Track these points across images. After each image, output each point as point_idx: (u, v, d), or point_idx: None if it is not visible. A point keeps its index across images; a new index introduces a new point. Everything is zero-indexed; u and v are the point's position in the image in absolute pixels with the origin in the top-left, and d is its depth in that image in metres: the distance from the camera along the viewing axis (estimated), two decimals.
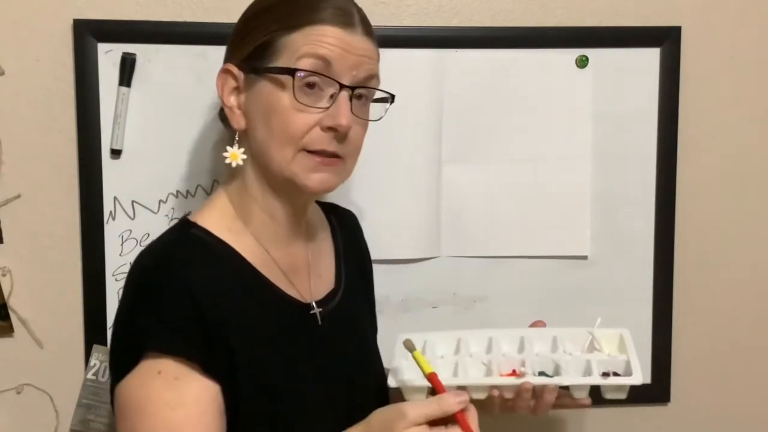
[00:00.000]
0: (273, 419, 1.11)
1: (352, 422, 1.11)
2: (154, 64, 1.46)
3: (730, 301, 1.67)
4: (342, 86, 1.10)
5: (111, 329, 1.14)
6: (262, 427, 1.10)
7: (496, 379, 1.16)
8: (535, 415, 1.19)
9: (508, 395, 1.16)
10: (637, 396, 1.62)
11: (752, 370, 1.69)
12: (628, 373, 1.17)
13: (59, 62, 1.46)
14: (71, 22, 1.44)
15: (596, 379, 1.16)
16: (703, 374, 1.67)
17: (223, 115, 1.23)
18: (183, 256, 1.10)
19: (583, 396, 1.18)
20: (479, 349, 1.25)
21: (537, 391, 1.16)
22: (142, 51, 1.45)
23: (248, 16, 1.16)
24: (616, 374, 1.18)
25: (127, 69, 1.45)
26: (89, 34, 1.44)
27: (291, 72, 1.09)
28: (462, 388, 1.15)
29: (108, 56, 1.45)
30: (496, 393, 1.16)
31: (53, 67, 1.46)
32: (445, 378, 1.15)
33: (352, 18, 1.12)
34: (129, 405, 1.05)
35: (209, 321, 1.05)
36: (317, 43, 1.09)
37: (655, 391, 1.64)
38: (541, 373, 1.18)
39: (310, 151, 1.11)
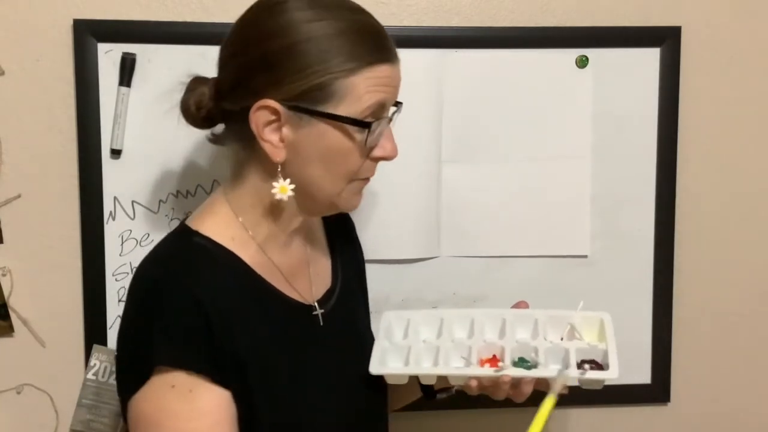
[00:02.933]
0: (282, 421, 1.11)
1: (356, 418, 1.15)
2: (154, 64, 1.46)
3: (730, 301, 1.67)
4: (389, 119, 1.14)
5: (117, 341, 1.13)
6: (272, 430, 1.10)
7: (476, 370, 1.19)
8: (515, 401, 1.22)
9: (487, 383, 1.19)
10: (637, 396, 1.64)
11: (752, 370, 1.69)
12: (605, 362, 1.20)
13: (59, 62, 1.46)
14: (71, 22, 1.44)
15: (573, 373, 1.18)
16: (703, 374, 1.68)
17: (214, 138, 1.21)
18: (189, 266, 1.09)
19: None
20: (461, 333, 1.28)
21: (515, 382, 1.19)
22: (142, 51, 1.45)
23: (284, 46, 1.07)
24: (593, 362, 1.21)
25: (127, 69, 1.45)
26: (89, 34, 1.44)
27: (367, 125, 1.09)
28: (442, 376, 1.20)
29: (108, 56, 1.45)
30: (474, 383, 1.19)
31: (53, 67, 1.46)
32: (426, 368, 1.21)
33: (393, 49, 1.13)
34: (145, 420, 1.05)
35: (218, 331, 1.05)
36: (376, 88, 1.09)
37: (655, 391, 1.65)
38: (521, 359, 1.21)
39: (358, 179, 1.16)
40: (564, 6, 1.56)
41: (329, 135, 1.09)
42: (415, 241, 1.55)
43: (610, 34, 1.56)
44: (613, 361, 1.19)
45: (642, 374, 1.64)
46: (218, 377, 1.05)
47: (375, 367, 1.20)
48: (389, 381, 1.21)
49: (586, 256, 1.60)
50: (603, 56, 1.55)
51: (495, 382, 1.18)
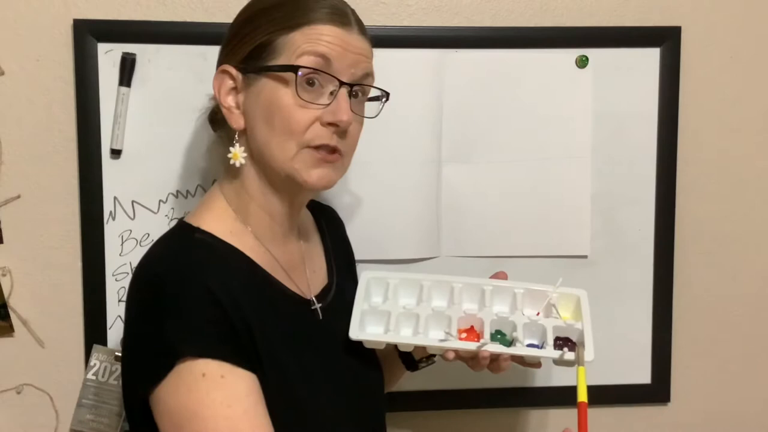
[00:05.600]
0: (290, 410, 1.11)
1: (358, 411, 1.18)
2: (154, 64, 1.46)
3: (730, 301, 1.67)
4: (342, 83, 1.13)
5: (126, 339, 1.12)
6: (280, 418, 1.10)
7: (457, 344, 1.21)
8: (493, 373, 1.24)
9: (465, 356, 1.22)
10: (637, 396, 1.64)
11: (752, 370, 1.69)
12: (581, 340, 1.22)
13: (59, 62, 1.46)
14: (71, 22, 1.44)
15: (549, 352, 1.21)
16: (703, 374, 1.68)
17: (213, 118, 1.25)
18: (196, 260, 1.10)
19: (535, 362, 1.25)
20: (440, 301, 1.29)
21: (493, 356, 1.21)
22: (142, 51, 1.45)
23: (244, 18, 1.17)
24: (568, 340, 1.23)
25: (127, 69, 1.45)
26: (89, 34, 1.44)
27: (294, 69, 1.10)
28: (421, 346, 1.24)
29: (108, 56, 1.45)
30: (451, 356, 1.21)
31: (53, 67, 1.46)
32: (405, 337, 1.23)
33: (348, 17, 1.14)
34: (181, 413, 1.03)
35: (233, 318, 1.06)
36: (317, 41, 1.11)
37: (655, 391, 1.65)
38: (498, 332, 1.24)
39: (311, 147, 1.13)
40: (564, 6, 1.56)
41: (267, 88, 1.12)
42: (415, 241, 1.55)
43: (610, 34, 1.56)
44: (588, 343, 1.21)
45: (642, 374, 1.64)
46: (242, 361, 1.05)
47: (355, 333, 1.21)
48: (367, 346, 1.23)
49: (586, 256, 1.60)
50: (603, 56, 1.55)
51: (474, 355, 1.20)
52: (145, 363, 1.07)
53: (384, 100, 1.22)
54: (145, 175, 1.48)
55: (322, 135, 1.13)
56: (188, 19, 1.48)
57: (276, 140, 1.12)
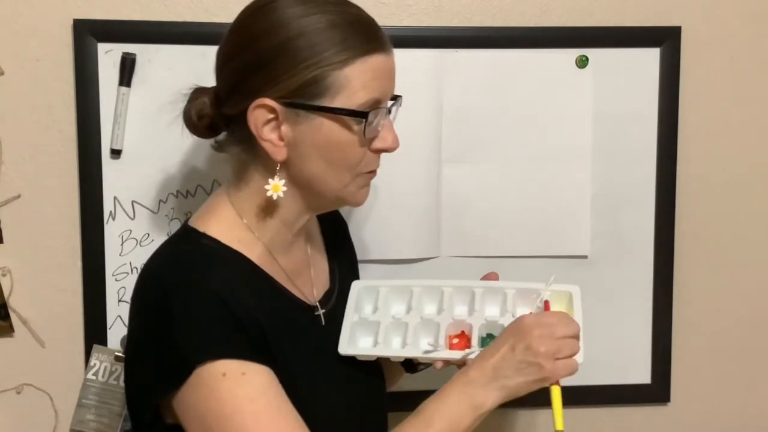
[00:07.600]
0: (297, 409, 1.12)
1: (359, 410, 1.19)
2: (154, 64, 1.46)
3: (730, 300, 1.67)
4: (388, 110, 1.14)
5: (133, 348, 1.12)
6: None
7: (443, 354, 1.21)
8: None
9: (455, 362, 1.22)
10: (637, 396, 1.64)
11: (752, 370, 1.69)
12: None
13: (59, 62, 1.46)
14: (71, 22, 1.44)
15: None
16: (703, 374, 1.68)
17: (218, 146, 1.20)
18: (203, 266, 1.10)
19: None
20: (430, 308, 1.28)
21: None
22: (142, 51, 1.45)
23: (276, 44, 1.07)
24: None
25: (127, 69, 1.45)
26: (89, 34, 1.44)
27: (363, 115, 1.09)
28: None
29: (108, 56, 1.45)
30: (440, 366, 1.21)
31: (53, 67, 1.46)
32: (394, 349, 1.23)
33: (384, 39, 1.12)
34: (207, 415, 1.04)
35: (243, 319, 1.06)
36: (372, 80, 1.09)
37: (655, 391, 1.65)
38: (490, 335, 1.23)
39: (363, 173, 1.15)
40: (564, 6, 1.56)
41: (327, 129, 1.09)
42: (415, 241, 1.55)
43: (610, 34, 1.56)
44: (580, 343, 1.19)
45: (642, 374, 1.64)
46: (259, 357, 1.06)
47: (344, 348, 1.21)
48: (359, 359, 1.23)
49: (586, 256, 1.60)
50: (603, 56, 1.55)
51: (464, 362, 1.20)
52: (160, 371, 1.06)
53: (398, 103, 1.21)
54: (145, 175, 1.48)
55: (373, 162, 1.16)
56: (188, 19, 1.48)
57: (332, 173, 1.12)
